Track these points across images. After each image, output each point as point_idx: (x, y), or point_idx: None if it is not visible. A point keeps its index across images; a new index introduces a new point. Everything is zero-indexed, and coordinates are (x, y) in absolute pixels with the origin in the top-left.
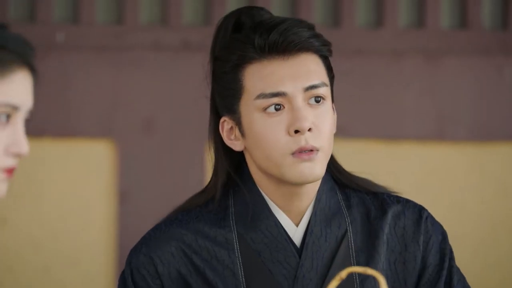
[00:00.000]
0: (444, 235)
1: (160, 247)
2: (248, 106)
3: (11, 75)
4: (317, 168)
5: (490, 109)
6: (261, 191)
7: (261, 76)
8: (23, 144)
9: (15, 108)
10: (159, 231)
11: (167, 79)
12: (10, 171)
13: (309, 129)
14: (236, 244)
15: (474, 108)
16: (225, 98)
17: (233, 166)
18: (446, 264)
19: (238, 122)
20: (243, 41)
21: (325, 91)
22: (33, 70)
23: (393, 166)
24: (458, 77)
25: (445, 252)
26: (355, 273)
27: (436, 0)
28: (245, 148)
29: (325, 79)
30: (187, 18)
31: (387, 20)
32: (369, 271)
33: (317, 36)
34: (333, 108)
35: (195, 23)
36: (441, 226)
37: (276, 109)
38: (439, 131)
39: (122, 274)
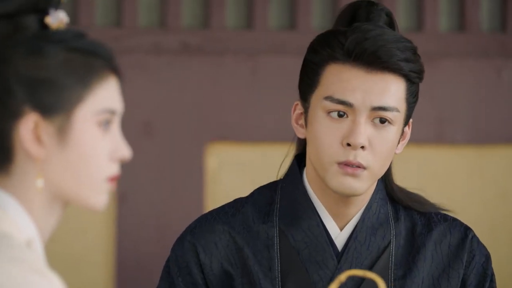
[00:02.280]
0: (487, 257)
1: (204, 237)
2: (317, 102)
3: (105, 80)
4: (359, 185)
5: (489, 112)
6: (308, 190)
7: (337, 79)
8: (125, 149)
9: (113, 113)
10: (205, 221)
11: (167, 82)
12: (114, 179)
13: (362, 147)
14: (277, 240)
15: (473, 110)
16: (303, 84)
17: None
18: (486, 286)
19: (306, 111)
20: (337, 39)
21: (394, 116)
22: (119, 75)
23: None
24: (457, 80)
25: (486, 273)
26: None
27: (435, 3)
28: (306, 137)
29: (400, 105)
30: (186, 21)
31: None
32: (369, 274)
33: (411, 60)
34: (405, 131)
35: (194, 26)
36: (485, 249)
37: (340, 116)
38: (438, 134)
39: (167, 261)
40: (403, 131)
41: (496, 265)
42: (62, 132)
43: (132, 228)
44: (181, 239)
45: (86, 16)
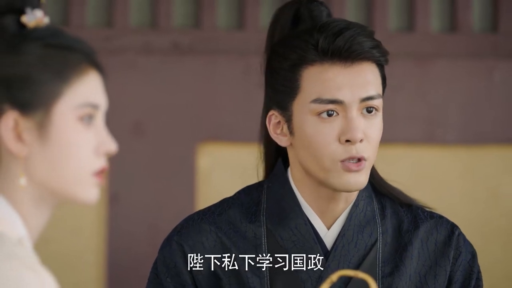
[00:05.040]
0: (473, 254)
1: (191, 237)
2: (302, 107)
3: (84, 75)
4: (363, 178)
5: (481, 112)
6: (294, 189)
7: (320, 80)
8: (111, 142)
9: (95, 107)
10: (192, 221)
11: (157, 82)
12: (101, 174)
13: (361, 140)
14: (264, 240)
15: (465, 111)
16: (278, 93)
17: (273, 160)
18: (473, 284)
19: (288, 120)
20: (306, 41)
21: (379, 102)
22: (100, 70)
23: (383, 169)
24: (449, 81)
25: (472, 270)
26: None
27: (426, 3)
28: (291, 144)
29: (380, 90)
30: (177, 21)
31: (377, 24)
32: (360, 274)
33: (378, 46)
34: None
35: (185, 26)
36: (471, 246)
37: (330, 115)
38: (430, 135)
39: (155, 263)
40: None
41: (488, 265)
42: (42, 128)
43: (124, 228)
44: (168, 240)
45: (77, 16)
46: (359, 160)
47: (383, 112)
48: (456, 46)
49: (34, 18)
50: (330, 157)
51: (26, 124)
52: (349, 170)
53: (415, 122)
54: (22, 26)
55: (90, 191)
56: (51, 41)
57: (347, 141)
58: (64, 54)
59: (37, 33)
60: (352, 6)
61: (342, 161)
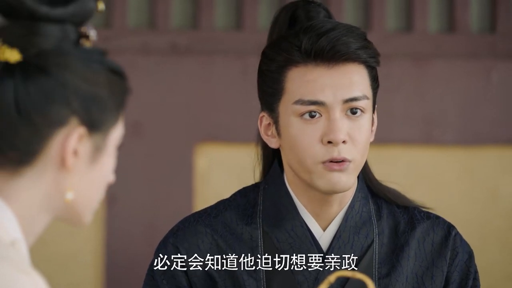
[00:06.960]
0: (470, 254)
1: (187, 239)
2: (287, 108)
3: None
4: (347, 178)
5: (479, 113)
6: (290, 191)
7: (303, 82)
8: (113, 175)
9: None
10: (188, 223)
11: (156, 82)
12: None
13: (343, 141)
14: (261, 242)
15: (463, 112)
16: (266, 95)
17: (270, 161)
18: (470, 284)
19: (276, 121)
20: (291, 42)
21: (365, 104)
22: None
23: (380, 170)
24: (446, 81)
25: (469, 271)
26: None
27: (424, 4)
28: (280, 146)
29: (367, 91)
30: (175, 22)
31: (375, 24)
32: (358, 275)
33: (366, 47)
34: (373, 118)
35: (183, 27)
36: (468, 246)
37: (313, 116)
38: (427, 135)
39: (151, 265)
40: (372, 118)
41: (486, 265)
42: (97, 151)
43: (122, 229)
44: (164, 242)
45: None
46: (342, 161)
47: (380, 113)
48: (454, 47)
49: (94, 35)
50: (312, 158)
51: (87, 143)
52: (331, 169)
53: (413, 122)
54: (80, 39)
55: (90, 217)
56: (110, 65)
57: (329, 142)
58: (121, 83)
59: (95, 53)
60: (350, 6)
61: (324, 162)
